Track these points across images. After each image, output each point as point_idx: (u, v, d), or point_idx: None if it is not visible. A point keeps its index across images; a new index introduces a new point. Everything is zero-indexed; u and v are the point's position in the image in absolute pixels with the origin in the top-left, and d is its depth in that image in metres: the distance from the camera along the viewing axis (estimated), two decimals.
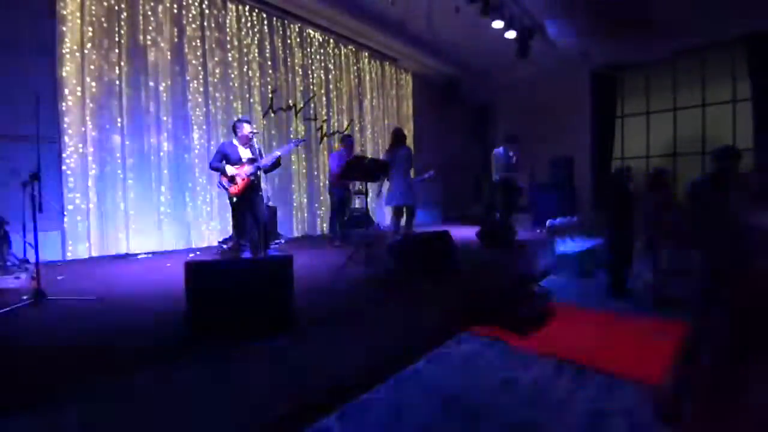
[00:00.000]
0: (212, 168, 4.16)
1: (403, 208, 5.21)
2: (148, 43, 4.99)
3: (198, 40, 5.45)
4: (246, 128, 4.15)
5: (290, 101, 6.55)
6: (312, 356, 2.39)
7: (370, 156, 6.98)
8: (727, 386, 1.43)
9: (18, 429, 1.39)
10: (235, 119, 4.94)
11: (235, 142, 4.15)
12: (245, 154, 4.14)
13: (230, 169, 4.00)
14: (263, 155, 4.25)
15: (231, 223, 5.45)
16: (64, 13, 4.34)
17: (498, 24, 6.26)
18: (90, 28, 4.53)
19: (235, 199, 4.07)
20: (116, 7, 4.72)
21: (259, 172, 4.14)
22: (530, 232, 6.93)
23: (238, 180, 4.00)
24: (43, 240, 3.44)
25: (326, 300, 2.82)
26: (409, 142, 7.81)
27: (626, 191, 4.79)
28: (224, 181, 4.05)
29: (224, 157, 4.06)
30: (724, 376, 1.45)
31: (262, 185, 4.18)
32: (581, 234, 6.88)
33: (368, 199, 5.10)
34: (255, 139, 4.23)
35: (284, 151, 4.56)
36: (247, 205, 4.09)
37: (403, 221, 5.29)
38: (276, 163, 4.24)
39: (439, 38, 7.48)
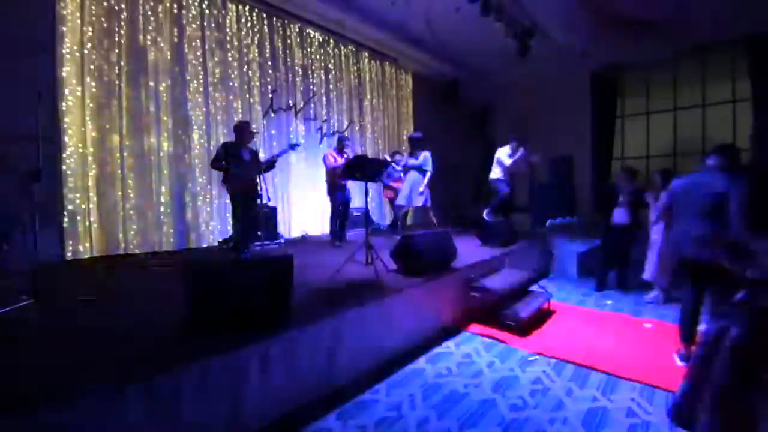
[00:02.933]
0: (214, 167, 4.20)
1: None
2: (148, 43, 4.99)
3: (198, 40, 5.45)
4: (246, 129, 4.21)
5: (290, 101, 6.54)
6: (312, 356, 2.39)
7: (370, 156, 6.99)
8: (741, 398, 1.42)
9: (18, 429, 1.39)
10: (237, 120, 4.98)
11: (236, 142, 4.19)
12: (246, 154, 4.19)
13: (233, 169, 4.04)
14: (261, 156, 4.31)
15: (231, 223, 5.49)
16: (64, 13, 4.33)
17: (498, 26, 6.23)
18: (90, 28, 4.53)
19: (239, 198, 4.12)
20: (116, 7, 4.72)
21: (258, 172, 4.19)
22: (530, 232, 6.93)
23: (241, 180, 4.04)
24: (43, 240, 3.44)
25: (326, 300, 2.82)
26: None
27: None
28: (227, 180, 4.08)
29: (226, 157, 4.10)
30: (738, 389, 1.43)
31: (260, 185, 4.23)
32: (581, 234, 6.87)
33: (368, 199, 5.11)
34: (255, 139, 4.29)
35: (280, 153, 4.63)
36: (246, 205, 4.14)
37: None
38: (272, 164, 4.32)
39: (439, 38, 7.48)
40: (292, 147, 4.86)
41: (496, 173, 5.96)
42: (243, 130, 4.23)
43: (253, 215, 4.25)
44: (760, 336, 1.44)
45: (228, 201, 5.60)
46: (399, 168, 6.23)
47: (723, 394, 1.45)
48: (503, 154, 5.90)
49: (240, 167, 4.14)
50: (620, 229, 4.91)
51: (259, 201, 4.35)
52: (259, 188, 4.26)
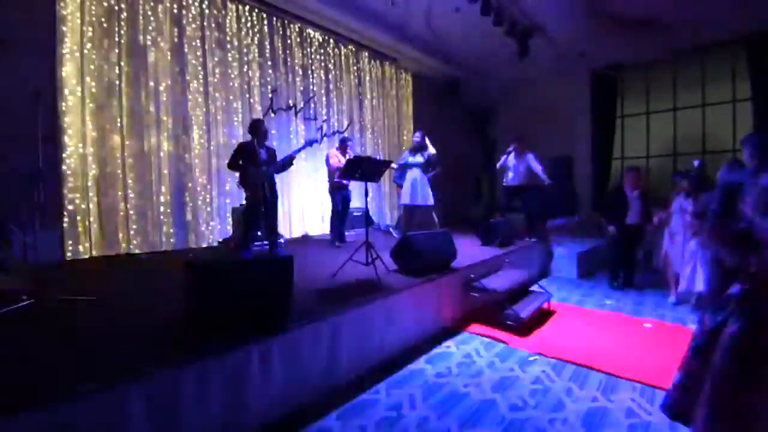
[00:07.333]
0: (231, 167, 4.14)
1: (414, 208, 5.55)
2: (148, 43, 4.98)
3: (198, 40, 5.44)
4: (261, 127, 4.17)
5: (290, 101, 6.54)
6: (312, 356, 2.39)
7: (369, 156, 6.97)
8: (741, 389, 1.40)
9: (18, 429, 1.39)
10: (253, 118, 4.94)
11: (253, 141, 4.14)
12: (263, 153, 4.16)
13: (252, 170, 4.00)
14: (276, 155, 4.27)
15: (231, 222, 5.48)
16: (64, 13, 4.33)
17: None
18: (90, 28, 4.52)
19: (254, 199, 4.07)
20: (116, 7, 4.71)
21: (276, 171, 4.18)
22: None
23: (260, 180, 4.01)
24: (43, 240, 3.45)
25: (326, 300, 2.82)
26: (409, 142, 7.86)
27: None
28: (244, 181, 4.05)
29: (244, 157, 4.06)
30: (737, 380, 1.41)
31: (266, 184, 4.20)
32: (581, 234, 6.88)
33: (368, 199, 5.11)
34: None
35: (298, 150, 4.52)
36: (263, 205, 4.10)
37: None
38: (288, 163, 4.28)
39: (439, 38, 7.48)
40: (310, 143, 4.75)
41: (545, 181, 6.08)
42: (258, 129, 4.19)
43: (266, 214, 4.19)
44: (760, 333, 1.42)
45: (228, 201, 5.65)
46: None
47: (721, 390, 1.44)
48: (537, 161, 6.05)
49: (257, 167, 4.10)
50: (633, 229, 4.97)
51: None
52: (275, 188, 4.23)
